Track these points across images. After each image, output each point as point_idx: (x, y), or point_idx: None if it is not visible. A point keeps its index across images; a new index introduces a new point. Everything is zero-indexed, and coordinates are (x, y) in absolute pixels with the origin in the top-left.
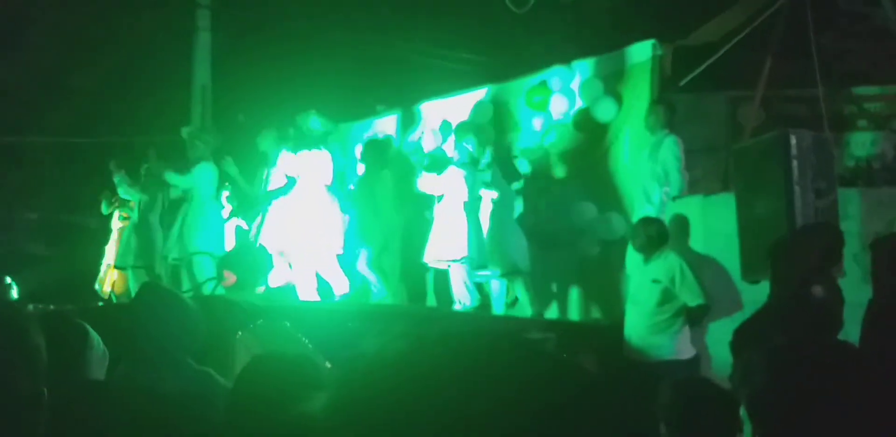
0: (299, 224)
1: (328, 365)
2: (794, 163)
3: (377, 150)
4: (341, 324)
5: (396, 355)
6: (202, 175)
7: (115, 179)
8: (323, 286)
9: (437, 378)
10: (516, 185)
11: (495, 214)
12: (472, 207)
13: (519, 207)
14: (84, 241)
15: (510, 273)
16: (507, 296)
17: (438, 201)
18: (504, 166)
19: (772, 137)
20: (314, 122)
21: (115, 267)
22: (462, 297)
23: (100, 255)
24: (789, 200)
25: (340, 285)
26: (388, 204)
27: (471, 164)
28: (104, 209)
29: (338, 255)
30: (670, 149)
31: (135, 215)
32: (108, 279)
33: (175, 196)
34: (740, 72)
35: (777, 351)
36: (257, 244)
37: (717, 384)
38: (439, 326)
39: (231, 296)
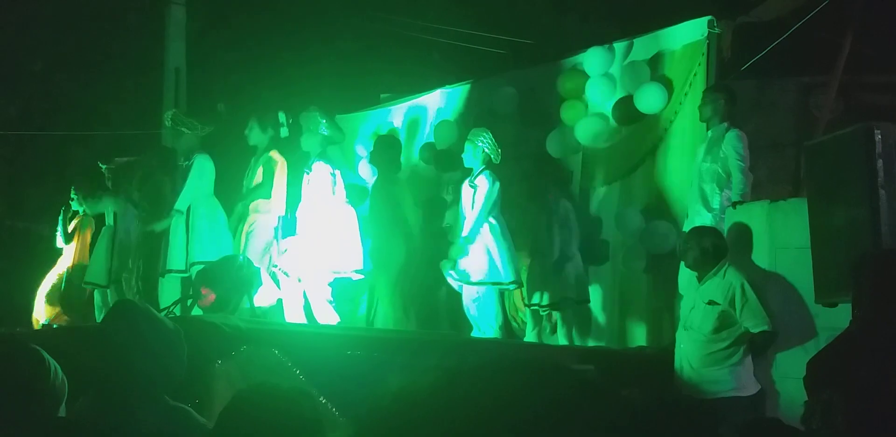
0: (304, 239)
1: (324, 401)
2: (879, 162)
3: (389, 148)
4: (343, 352)
5: (427, 391)
6: (203, 171)
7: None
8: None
9: (473, 417)
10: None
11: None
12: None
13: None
14: (34, 251)
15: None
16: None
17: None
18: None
19: (851, 132)
20: (316, 123)
21: (86, 283)
22: (481, 321)
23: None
24: (873, 207)
25: (329, 315)
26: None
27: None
28: (64, 239)
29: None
30: (732, 144)
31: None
32: (39, 309)
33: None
34: (813, 54)
35: (865, 389)
36: (241, 256)
37: (790, 427)
38: (471, 357)
39: (209, 317)
